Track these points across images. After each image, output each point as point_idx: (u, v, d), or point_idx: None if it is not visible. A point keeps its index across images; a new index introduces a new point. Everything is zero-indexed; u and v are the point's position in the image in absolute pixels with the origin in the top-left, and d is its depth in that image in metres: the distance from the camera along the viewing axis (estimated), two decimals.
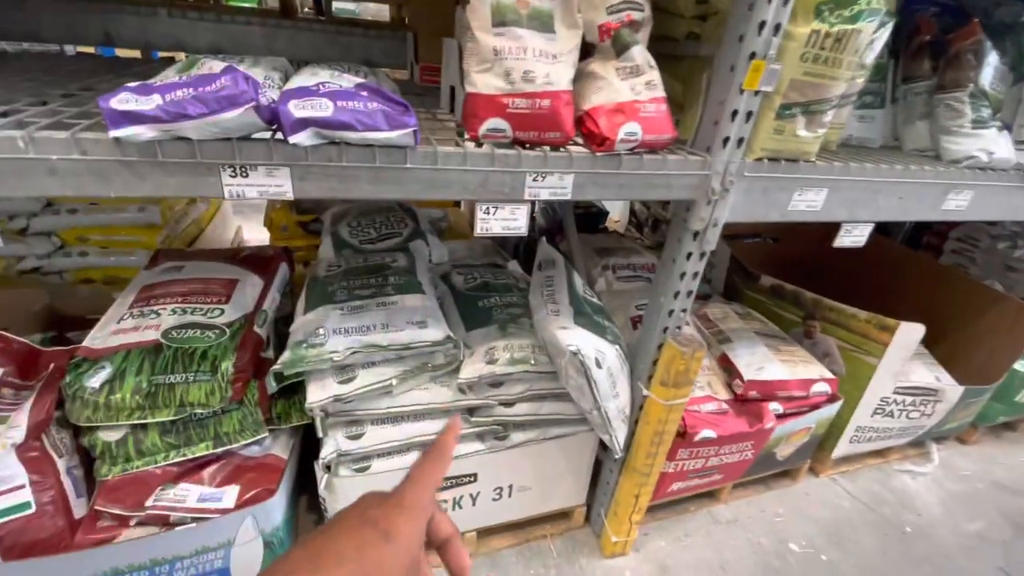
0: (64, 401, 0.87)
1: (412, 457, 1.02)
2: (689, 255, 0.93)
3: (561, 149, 0.75)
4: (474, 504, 1.15)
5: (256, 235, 2.43)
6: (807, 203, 0.94)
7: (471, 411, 1.07)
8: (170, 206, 1.70)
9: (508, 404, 1.08)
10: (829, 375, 1.41)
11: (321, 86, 0.63)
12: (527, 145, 0.74)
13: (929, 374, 1.59)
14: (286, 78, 0.72)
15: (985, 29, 1.10)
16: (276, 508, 0.93)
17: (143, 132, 0.56)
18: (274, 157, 0.62)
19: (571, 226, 1.59)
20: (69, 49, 1.69)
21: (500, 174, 0.72)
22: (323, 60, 1.52)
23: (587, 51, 0.78)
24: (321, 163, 0.64)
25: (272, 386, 0.91)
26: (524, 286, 1.31)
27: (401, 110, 0.64)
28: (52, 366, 0.91)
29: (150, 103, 0.55)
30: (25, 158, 0.54)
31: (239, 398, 0.91)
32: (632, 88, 0.75)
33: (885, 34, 0.92)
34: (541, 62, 0.69)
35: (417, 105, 0.99)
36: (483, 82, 0.68)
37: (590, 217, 2.17)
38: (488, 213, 0.75)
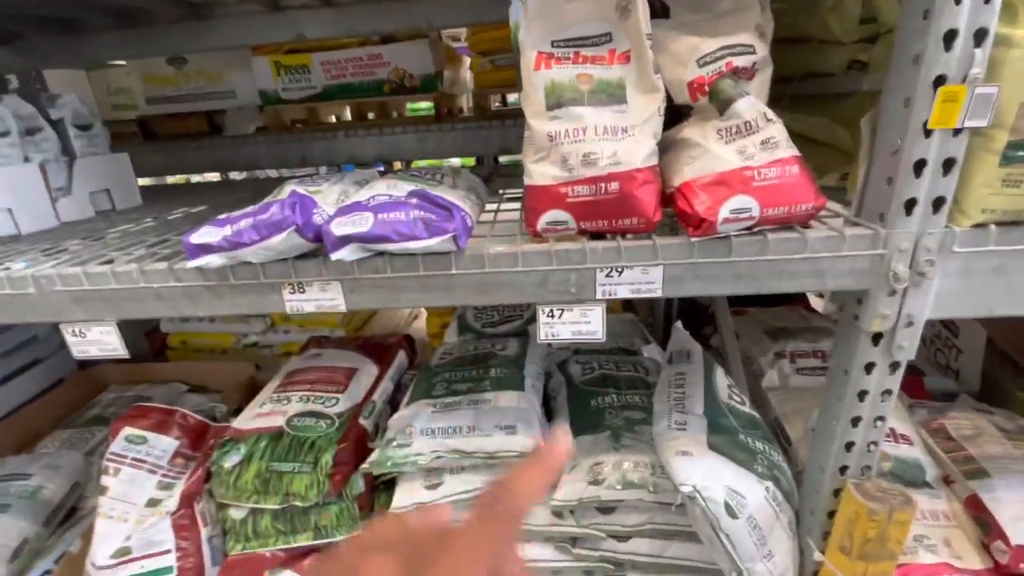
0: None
1: None
2: (870, 367, 0.64)
3: (645, 237, 0.60)
4: None
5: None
6: None
7: (574, 540, 0.89)
8: None
9: (622, 538, 0.87)
10: None
11: (371, 199, 0.62)
12: (601, 235, 0.61)
13: None
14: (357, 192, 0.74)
15: None
16: None
17: (214, 260, 0.61)
18: (324, 273, 0.62)
19: (721, 300, 1.31)
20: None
21: (562, 272, 0.60)
22: (467, 154, 1.62)
23: (684, 114, 0.63)
24: (368, 275, 0.62)
25: (359, 486, 0.90)
26: (655, 380, 1.10)
27: (444, 215, 0.59)
28: (212, 442, 1.07)
29: (219, 234, 0.60)
30: (137, 287, 0.64)
31: (338, 492, 0.92)
32: (741, 151, 0.56)
33: None
34: (607, 140, 0.56)
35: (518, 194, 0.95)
36: (539, 172, 0.59)
37: None
38: (552, 316, 0.63)
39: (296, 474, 0.91)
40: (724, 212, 0.55)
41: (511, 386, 0.96)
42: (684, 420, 0.86)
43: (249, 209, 0.62)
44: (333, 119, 2.41)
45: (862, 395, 0.65)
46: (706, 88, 0.58)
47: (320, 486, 0.89)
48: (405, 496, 0.88)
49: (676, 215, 0.60)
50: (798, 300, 1.80)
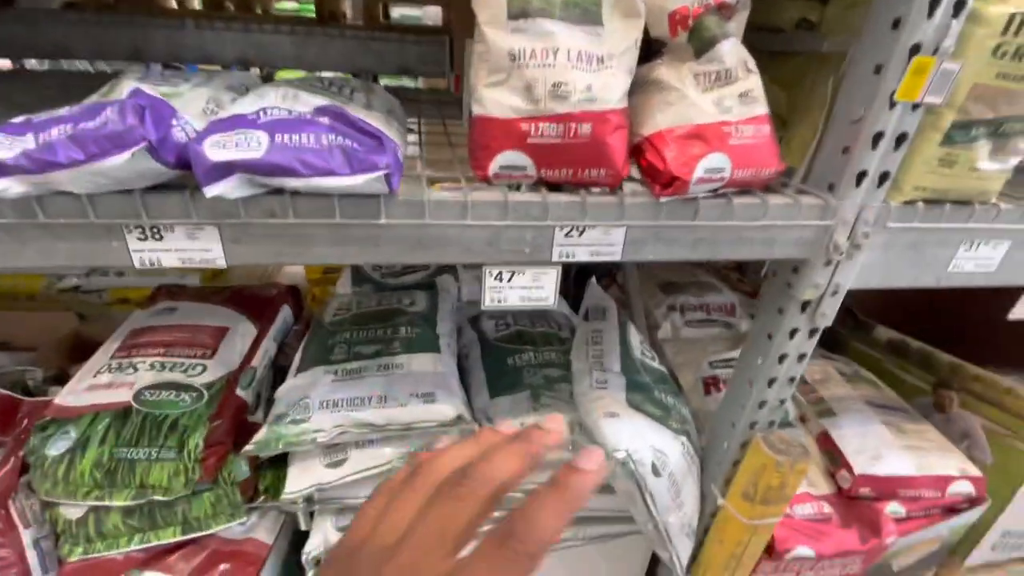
0: None
1: None
2: (794, 332, 0.66)
3: (608, 191, 0.53)
4: None
5: None
6: (977, 262, 0.64)
7: None
8: None
9: None
10: (974, 471, 1.06)
11: (262, 113, 0.45)
12: (559, 187, 0.52)
13: None
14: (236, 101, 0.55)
15: None
16: None
17: (10, 186, 0.40)
18: (194, 214, 0.44)
19: None
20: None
21: (517, 229, 0.51)
22: (357, 70, 1.38)
23: (650, 51, 0.55)
24: (261, 220, 0.46)
25: (243, 471, 0.75)
26: (568, 335, 1.08)
27: (372, 144, 0.45)
28: (26, 423, 0.81)
29: (16, 147, 0.39)
30: None
31: (212, 478, 0.76)
32: (719, 103, 0.51)
33: None
34: (580, 69, 0.46)
35: (438, 123, 0.81)
36: (494, 100, 0.47)
37: None
38: (500, 280, 0.53)
39: (155, 461, 0.73)
40: (699, 171, 0.49)
41: (425, 347, 0.86)
42: (605, 379, 0.85)
43: (65, 112, 0.42)
44: (174, 3, 1.90)
45: (782, 358, 0.68)
46: (689, 22, 0.50)
47: (189, 473, 0.73)
48: (301, 476, 0.76)
49: (640, 167, 0.54)
50: None
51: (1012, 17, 0.49)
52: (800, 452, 0.71)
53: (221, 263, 0.47)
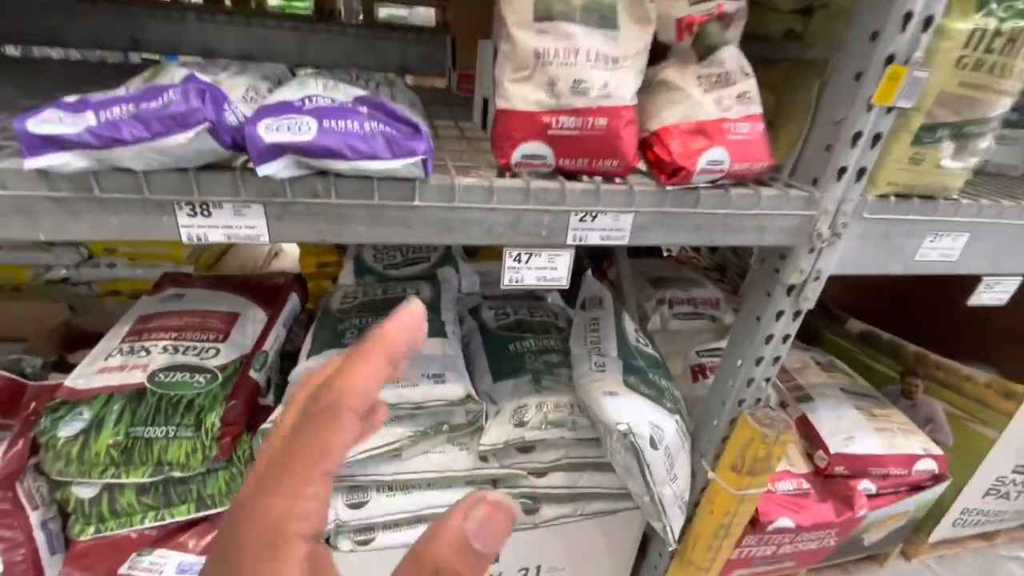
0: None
1: (423, 530, 0.87)
2: (780, 315, 0.72)
3: (618, 180, 0.58)
4: None
5: (294, 247, 2.37)
6: (940, 252, 0.72)
7: (495, 482, 0.90)
8: None
9: (539, 474, 0.91)
10: (936, 450, 1.15)
11: (307, 100, 0.48)
12: (574, 176, 0.57)
13: None
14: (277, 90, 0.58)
15: None
16: None
17: (70, 161, 0.43)
18: (243, 192, 0.48)
19: (622, 252, 1.39)
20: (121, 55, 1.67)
21: (536, 213, 0.55)
22: (358, 67, 1.41)
23: (657, 54, 0.60)
24: (305, 200, 0.49)
25: (261, 446, 0.78)
26: (565, 325, 1.13)
27: (409, 132, 0.49)
28: (33, 405, 0.82)
29: (79, 124, 0.42)
30: None
31: (227, 456, 0.78)
32: (719, 102, 0.56)
33: None
34: (598, 68, 0.51)
35: (447, 118, 0.85)
36: (519, 94, 0.52)
37: None
38: (519, 261, 0.58)
39: (172, 439, 0.74)
40: (702, 163, 0.55)
41: (433, 332, 0.90)
42: (603, 362, 0.90)
43: (123, 92, 0.44)
44: None
45: (769, 338, 0.74)
46: (694, 28, 0.55)
47: (206, 451, 0.75)
48: None
49: (648, 161, 0.59)
50: (660, 253, 2.01)
51: (973, 32, 0.56)
52: (784, 425, 0.78)
53: (264, 239, 0.50)
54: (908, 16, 0.53)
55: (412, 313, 0.26)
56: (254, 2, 1.83)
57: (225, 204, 0.48)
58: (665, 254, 2.09)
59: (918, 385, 1.30)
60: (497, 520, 0.20)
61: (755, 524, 0.96)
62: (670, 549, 0.91)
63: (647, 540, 1.06)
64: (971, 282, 0.79)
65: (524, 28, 0.51)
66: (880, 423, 1.17)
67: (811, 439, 1.13)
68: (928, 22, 0.53)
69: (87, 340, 1.17)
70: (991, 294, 0.80)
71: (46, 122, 0.41)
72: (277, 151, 0.45)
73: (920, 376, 1.30)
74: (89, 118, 0.43)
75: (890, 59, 0.55)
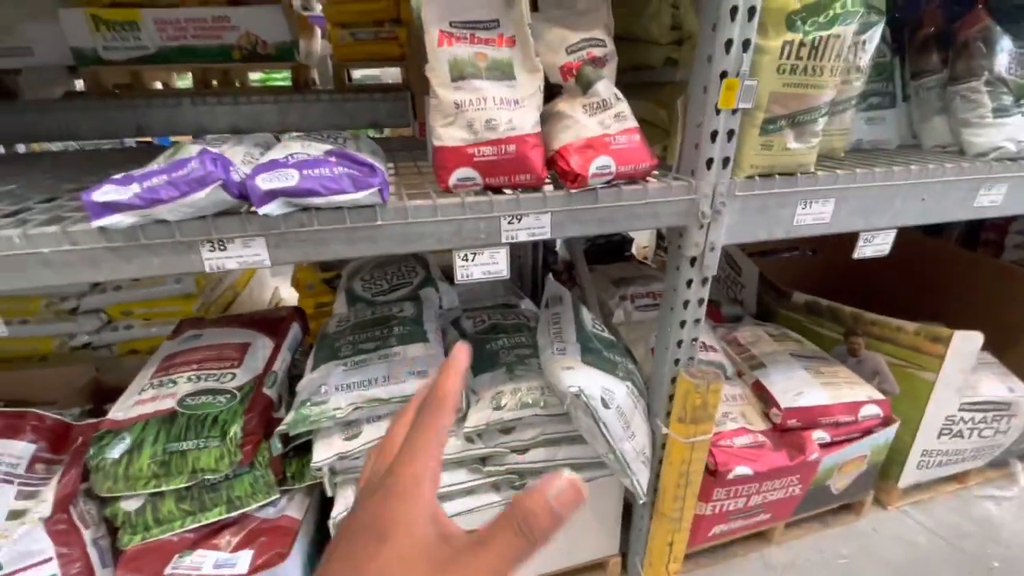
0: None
1: None
2: (690, 282, 0.88)
3: (535, 190, 0.75)
4: None
5: (293, 294, 2.54)
6: (814, 216, 0.88)
7: (483, 460, 1.04)
8: (204, 275, 1.81)
9: (521, 451, 1.04)
10: (879, 396, 1.28)
11: (290, 157, 0.66)
12: (501, 190, 0.74)
13: (1001, 385, 1.42)
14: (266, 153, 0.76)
15: (996, 14, 1.03)
16: (289, 572, 0.92)
17: (123, 219, 0.60)
18: (248, 228, 0.64)
19: (580, 258, 1.56)
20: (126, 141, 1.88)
21: (474, 221, 0.72)
22: (333, 127, 1.61)
23: (555, 92, 0.79)
24: (294, 229, 0.66)
25: (277, 447, 0.92)
26: (536, 324, 1.28)
27: (366, 171, 0.66)
28: (80, 440, 0.96)
29: (128, 192, 0.59)
30: (20, 253, 0.59)
31: (249, 461, 0.92)
32: (601, 123, 0.74)
33: (876, 34, 0.88)
34: (504, 109, 0.69)
35: (407, 160, 1.03)
36: (448, 135, 0.70)
37: (613, 246, 2.13)
38: (467, 260, 0.74)
39: (203, 450, 0.89)
40: (593, 168, 0.72)
41: (416, 339, 1.06)
42: (563, 347, 1.05)
43: (156, 167, 0.62)
44: (159, 85, 2.13)
45: (686, 304, 0.90)
46: (573, 72, 0.74)
47: (232, 456, 0.89)
48: (324, 449, 0.92)
49: (556, 174, 0.76)
50: (631, 257, 2.19)
51: (784, 46, 0.74)
52: (714, 376, 0.92)
53: (267, 264, 0.66)
54: (729, 42, 0.71)
55: (460, 354, 0.33)
56: (238, 81, 2.05)
57: (236, 239, 0.65)
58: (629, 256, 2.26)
59: (860, 343, 1.44)
60: (571, 493, 0.26)
61: (716, 475, 1.09)
62: (640, 502, 1.04)
63: (630, 509, 1.18)
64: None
65: (444, 87, 0.69)
66: (827, 379, 1.31)
67: (765, 400, 1.27)
68: (747, 44, 0.72)
69: (114, 395, 1.32)
70: (872, 247, 0.97)
71: (105, 193, 0.58)
72: (271, 196, 0.62)
73: (859, 334, 1.44)
74: (135, 187, 0.60)
75: (723, 74, 0.73)
